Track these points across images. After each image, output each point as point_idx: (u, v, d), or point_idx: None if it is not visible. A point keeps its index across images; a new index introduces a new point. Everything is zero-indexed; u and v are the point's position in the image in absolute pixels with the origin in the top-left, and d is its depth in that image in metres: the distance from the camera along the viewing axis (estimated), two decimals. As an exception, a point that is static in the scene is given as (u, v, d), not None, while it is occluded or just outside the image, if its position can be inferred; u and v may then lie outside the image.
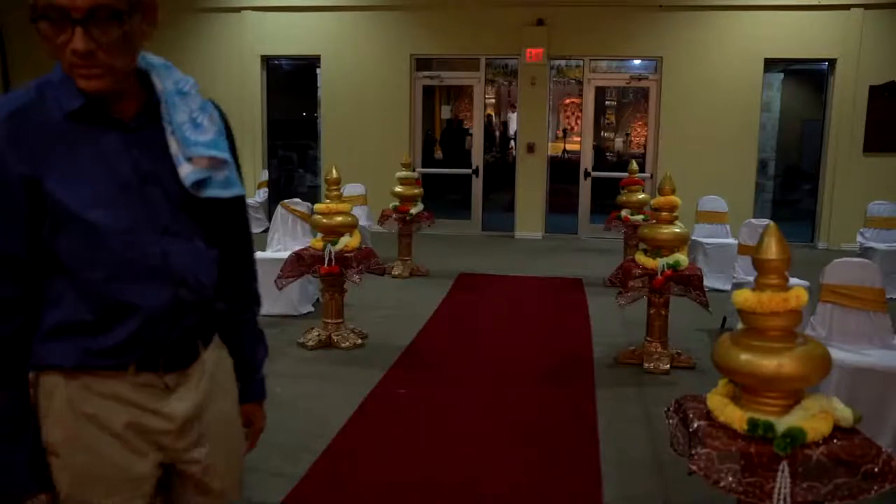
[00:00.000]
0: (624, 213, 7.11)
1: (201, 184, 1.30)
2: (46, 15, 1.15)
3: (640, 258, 4.59)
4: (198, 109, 1.32)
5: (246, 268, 1.55)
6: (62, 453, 1.30)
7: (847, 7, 8.89)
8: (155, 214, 1.29)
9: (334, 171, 4.97)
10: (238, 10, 9.92)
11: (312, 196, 10.01)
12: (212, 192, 1.31)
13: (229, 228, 1.45)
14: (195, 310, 1.35)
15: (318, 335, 4.86)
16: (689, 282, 4.45)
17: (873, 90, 8.99)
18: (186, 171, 1.28)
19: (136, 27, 1.22)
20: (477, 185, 10.15)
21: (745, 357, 1.93)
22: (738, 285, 4.72)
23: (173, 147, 1.28)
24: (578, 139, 11.12)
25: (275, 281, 4.82)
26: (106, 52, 1.18)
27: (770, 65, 9.46)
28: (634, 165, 7.27)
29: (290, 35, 9.91)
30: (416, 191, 7.22)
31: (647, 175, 9.34)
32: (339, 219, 4.83)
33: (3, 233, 1.22)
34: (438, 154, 12.28)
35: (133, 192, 1.27)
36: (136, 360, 1.30)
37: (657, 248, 4.55)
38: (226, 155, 1.33)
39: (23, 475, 1.28)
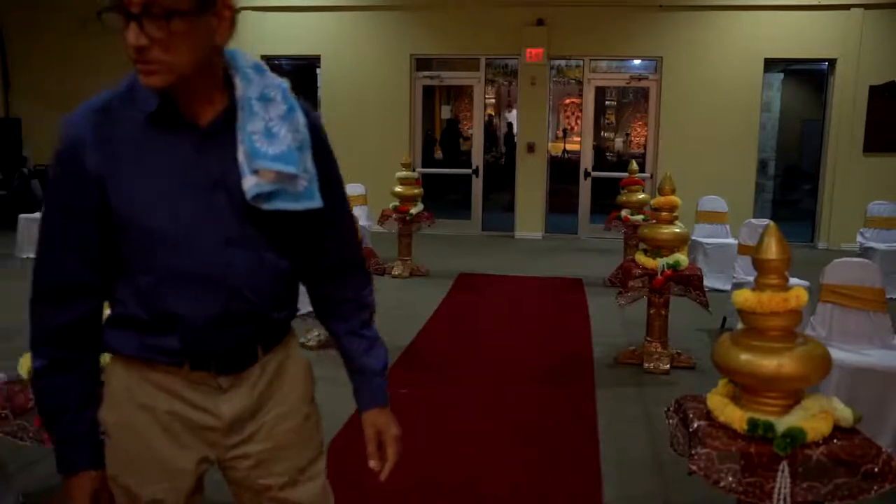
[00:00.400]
0: (624, 213, 7.11)
1: (266, 196, 1.25)
2: (114, 9, 1.15)
3: (640, 258, 4.59)
4: (277, 118, 1.26)
5: (341, 276, 1.48)
6: (113, 436, 1.34)
7: (847, 7, 8.89)
8: (219, 223, 1.27)
9: (334, 171, 4.97)
10: (238, 10, 9.90)
11: (312, 196, 10.00)
12: (278, 204, 1.26)
13: (309, 239, 1.40)
14: (251, 320, 1.33)
15: (319, 336, 4.85)
16: (689, 282, 4.45)
17: (873, 90, 8.99)
18: (250, 184, 1.23)
19: (200, 27, 1.18)
20: (477, 185, 10.15)
21: (745, 357, 1.93)
22: (738, 285, 4.71)
23: (241, 156, 1.24)
24: (578, 139, 11.12)
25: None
26: (161, 49, 1.15)
27: (770, 65, 9.46)
28: (634, 165, 7.26)
29: (290, 35, 9.91)
30: (416, 191, 7.22)
31: (647, 175, 9.34)
32: (339, 219, 4.82)
33: (80, 220, 1.25)
34: (438, 154, 12.28)
35: (199, 199, 1.25)
36: (189, 360, 1.31)
37: (657, 248, 4.55)
38: (294, 169, 1.25)
39: (81, 450, 1.32)
